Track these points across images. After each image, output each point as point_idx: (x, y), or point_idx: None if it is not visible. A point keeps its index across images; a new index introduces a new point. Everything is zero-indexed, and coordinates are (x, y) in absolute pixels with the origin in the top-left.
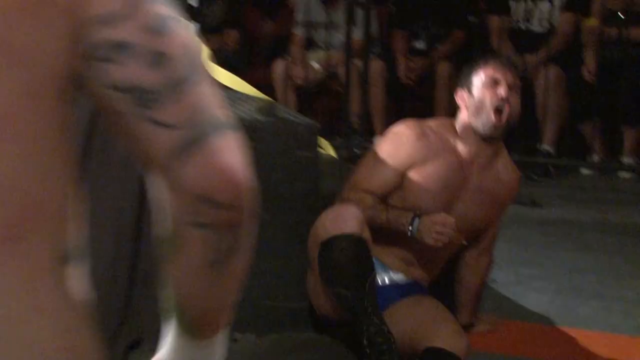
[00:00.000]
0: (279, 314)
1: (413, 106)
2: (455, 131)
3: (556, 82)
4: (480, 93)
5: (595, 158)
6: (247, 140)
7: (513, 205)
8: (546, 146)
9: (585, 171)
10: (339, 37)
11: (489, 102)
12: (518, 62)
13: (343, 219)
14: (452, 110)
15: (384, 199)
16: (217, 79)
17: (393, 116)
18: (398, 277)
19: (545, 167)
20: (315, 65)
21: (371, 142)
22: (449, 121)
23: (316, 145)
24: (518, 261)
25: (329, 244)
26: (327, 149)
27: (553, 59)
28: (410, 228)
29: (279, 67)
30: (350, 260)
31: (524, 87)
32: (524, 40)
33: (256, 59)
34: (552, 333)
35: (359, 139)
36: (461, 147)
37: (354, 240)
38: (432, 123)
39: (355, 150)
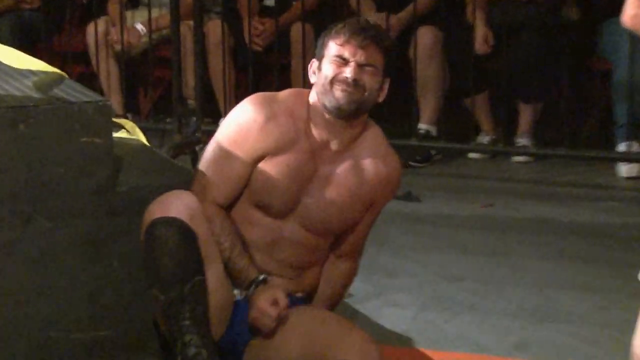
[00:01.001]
0: (66, 347)
1: (264, 79)
2: (309, 108)
3: (433, 47)
4: (325, 70)
5: (485, 139)
6: (16, 124)
7: None
8: (425, 126)
9: (473, 155)
10: None
11: (330, 79)
12: (382, 23)
13: (170, 202)
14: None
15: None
16: None
17: (240, 92)
18: None
19: (425, 151)
20: (139, 28)
21: (214, 125)
22: (304, 93)
23: (109, 129)
24: (379, 268)
25: (150, 230)
26: (136, 133)
27: (426, 18)
28: (240, 293)
29: (93, 31)
30: (168, 251)
31: (401, 51)
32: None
33: (65, 22)
34: (410, 357)
35: (196, 120)
36: (313, 129)
37: (178, 227)
38: (283, 97)
39: (194, 135)
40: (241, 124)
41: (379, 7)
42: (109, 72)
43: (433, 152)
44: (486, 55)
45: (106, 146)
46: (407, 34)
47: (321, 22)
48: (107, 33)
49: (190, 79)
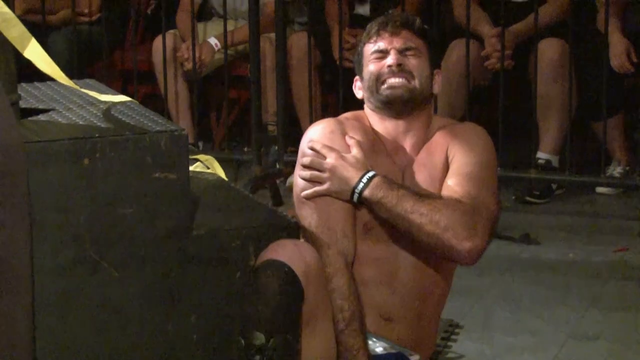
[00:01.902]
0: None
1: (355, 99)
2: (369, 120)
3: (558, 62)
4: (367, 73)
5: (617, 171)
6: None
7: (495, 242)
8: (545, 155)
9: (602, 190)
10: (246, 0)
11: (375, 75)
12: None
13: (285, 249)
14: None
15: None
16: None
17: (328, 115)
18: (378, 345)
19: (545, 185)
20: (213, 43)
21: (295, 154)
22: (359, 112)
23: (185, 163)
24: (495, 325)
25: (254, 273)
26: (213, 166)
27: (548, 29)
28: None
29: (160, 46)
30: (264, 296)
31: (517, 70)
32: (506, 12)
33: (127, 36)
34: None
35: (277, 149)
36: (382, 138)
37: (284, 274)
38: (344, 117)
39: (275, 166)
40: (320, 139)
41: (494, 20)
42: (177, 94)
43: (554, 186)
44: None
45: (182, 183)
46: (526, 48)
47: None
48: (175, 49)
49: (270, 101)
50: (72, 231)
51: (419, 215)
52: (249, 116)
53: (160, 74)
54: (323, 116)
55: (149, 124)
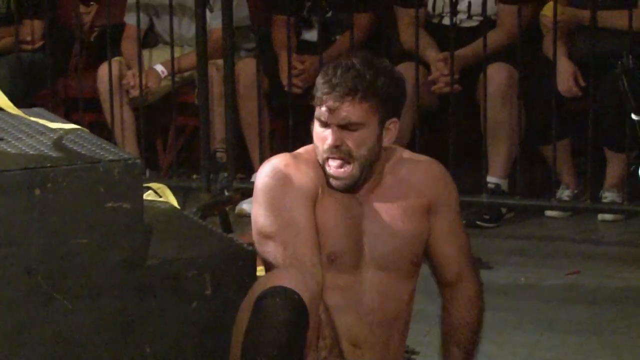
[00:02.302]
0: None
1: (304, 125)
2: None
3: (507, 87)
4: (314, 133)
5: (565, 194)
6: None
7: None
8: (495, 179)
9: (551, 213)
10: (192, 26)
11: (320, 152)
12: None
13: (289, 275)
14: None
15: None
16: None
17: (276, 142)
18: None
19: (495, 209)
20: (159, 69)
21: (246, 181)
22: (312, 147)
23: (139, 192)
24: None
25: (260, 300)
26: (165, 195)
27: (495, 54)
28: None
29: (106, 74)
30: (275, 325)
31: (465, 94)
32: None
33: (72, 62)
34: None
35: (227, 176)
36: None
37: (293, 302)
38: (302, 152)
39: (224, 192)
40: (277, 174)
41: (440, 46)
42: (123, 122)
43: (504, 210)
44: (571, 96)
45: (136, 212)
46: (473, 72)
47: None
48: (121, 76)
49: (218, 128)
50: (24, 264)
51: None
52: (195, 143)
53: (106, 101)
54: (272, 142)
55: (102, 153)
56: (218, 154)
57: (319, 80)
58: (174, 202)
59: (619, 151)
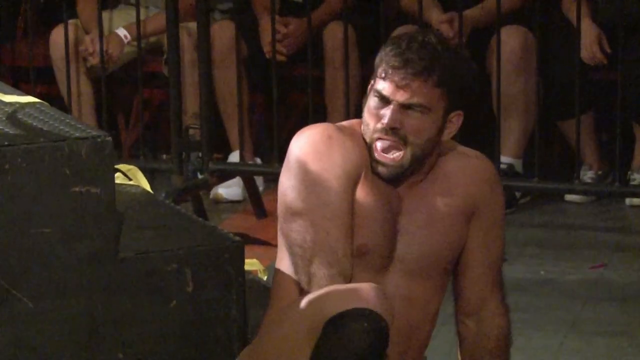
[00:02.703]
0: None
1: (287, 98)
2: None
3: (522, 55)
4: (367, 107)
5: (588, 176)
6: None
7: None
8: (508, 159)
9: (572, 197)
10: None
11: (371, 131)
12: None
13: (362, 290)
14: (353, 105)
15: None
16: None
17: (255, 117)
18: None
19: (508, 193)
20: (122, 34)
21: (224, 163)
22: (357, 125)
23: (110, 175)
24: None
25: (339, 323)
26: (137, 178)
27: (509, 17)
28: None
29: (60, 39)
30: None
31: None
32: None
33: (20, 26)
34: None
35: (201, 157)
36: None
37: (378, 327)
38: (345, 125)
39: (196, 175)
40: (316, 145)
41: (445, 3)
42: (79, 94)
43: (518, 194)
44: (595, 65)
45: (106, 198)
46: (483, 37)
47: (364, 22)
48: (77, 42)
49: (189, 102)
50: None
51: None
52: (163, 119)
53: (60, 71)
54: (250, 118)
55: (66, 130)
56: (190, 131)
57: (387, 50)
58: (146, 186)
59: None
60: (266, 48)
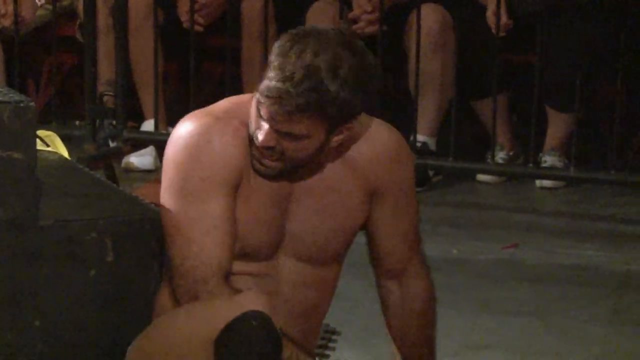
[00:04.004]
0: None
1: (203, 69)
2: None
3: (440, 34)
4: (254, 107)
5: (500, 156)
6: None
7: (364, 234)
8: (422, 137)
9: (483, 177)
10: None
11: (252, 130)
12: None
13: (243, 298)
14: None
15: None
16: None
17: (169, 87)
18: None
19: (421, 171)
20: None
21: (135, 130)
22: (245, 103)
23: (32, 140)
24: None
25: (231, 331)
26: (55, 144)
27: None
28: None
29: None
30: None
31: (391, 39)
32: None
33: None
34: None
35: (116, 125)
36: None
37: (267, 325)
38: (222, 109)
39: (108, 143)
40: (194, 146)
41: None
42: None
43: (431, 172)
44: (509, 42)
45: (28, 164)
46: (402, 13)
47: None
48: None
49: (102, 68)
50: None
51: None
52: (73, 85)
53: None
54: (165, 89)
55: None
56: (105, 98)
57: (273, 65)
58: (65, 153)
59: (564, 111)
60: (183, 17)
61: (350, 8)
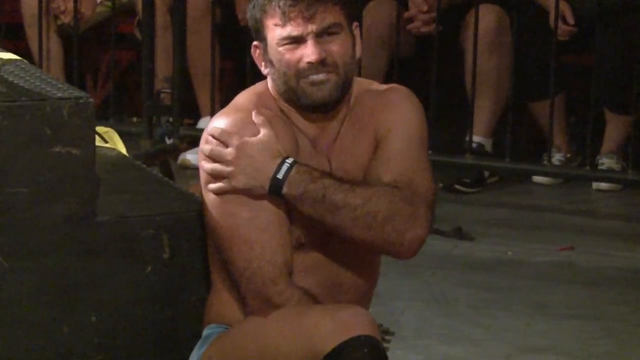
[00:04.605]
0: None
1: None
2: (279, 106)
3: (496, 34)
4: (278, 62)
5: (557, 158)
6: None
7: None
8: (478, 138)
9: (539, 179)
10: None
11: (293, 75)
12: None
13: (350, 317)
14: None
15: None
16: None
17: (225, 83)
18: None
19: (477, 172)
20: None
21: (192, 127)
22: (262, 92)
23: (91, 136)
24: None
25: (341, 356)
26: (113, 141)
27: None
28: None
29: None
30: None
31: (447, 39)
32: None
33: None
34: None
35: (172, 122)
36: (297, 124)
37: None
38: (245, 103)
39: (165, 140)
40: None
41: None
42: (49, 52)
43: (487, 173)
44: (565, 44)
45: (86, 160)
46: (456, 13)
47: None
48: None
49: (160, 65)
50: None
51: (351, 209)
52: (130, 82)
53: (31, 27)
54: (222, 86)
55: (48, 89)
56: (162, 95)
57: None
58: (123, 149)
59: (621, 113)
60: (241, 15)
61: (407, 7)
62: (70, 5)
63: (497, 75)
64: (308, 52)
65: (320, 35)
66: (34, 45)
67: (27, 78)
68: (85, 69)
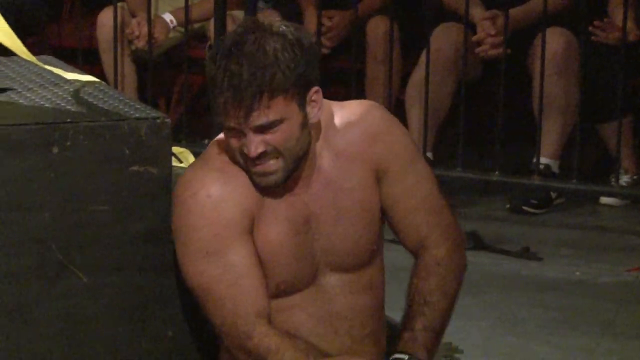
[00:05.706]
0: None
1: (329, 90)
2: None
3: (565, 57)
4: (227, 139)
5: (624, 179)
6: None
7: (487, 255)
8: (545, 160)
9: (606, 200)
10: None
11: (240, 157)
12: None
13: None
14: (394, 97)
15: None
16: None
17: None
18: None
19: (544, 193)
20: (168, 19)
21: None
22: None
23: (168, 156)
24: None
25: None
26: (189, 161)
27: (552, 17)
28: None
29: (107, 22)
30: None
31: (514, 62)
32: None
33: (67, 9)
34: None
35: None
36: None
37: None
38: (213, 154)
39: None
40: (198, 206)
41: (487, 2)
42: (123, 76)
43: (554, 194)
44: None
45: (163, 178)
46: (525, 37)
47: (408, 16)
48: (123, 25)
49: None
50: (35, 230)
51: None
52: (201, 105)
53: (106, 52)
54: None
55: (127, 110)
56: None
57: (214, 84)
58: None
59: None
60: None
61: (474, 31)
62: (144, 30)
63: (564, 97)
64: (248, 147)
65: (260, 130)
66: (109, 70)
67: (106, 99)
68: (158, 92)
